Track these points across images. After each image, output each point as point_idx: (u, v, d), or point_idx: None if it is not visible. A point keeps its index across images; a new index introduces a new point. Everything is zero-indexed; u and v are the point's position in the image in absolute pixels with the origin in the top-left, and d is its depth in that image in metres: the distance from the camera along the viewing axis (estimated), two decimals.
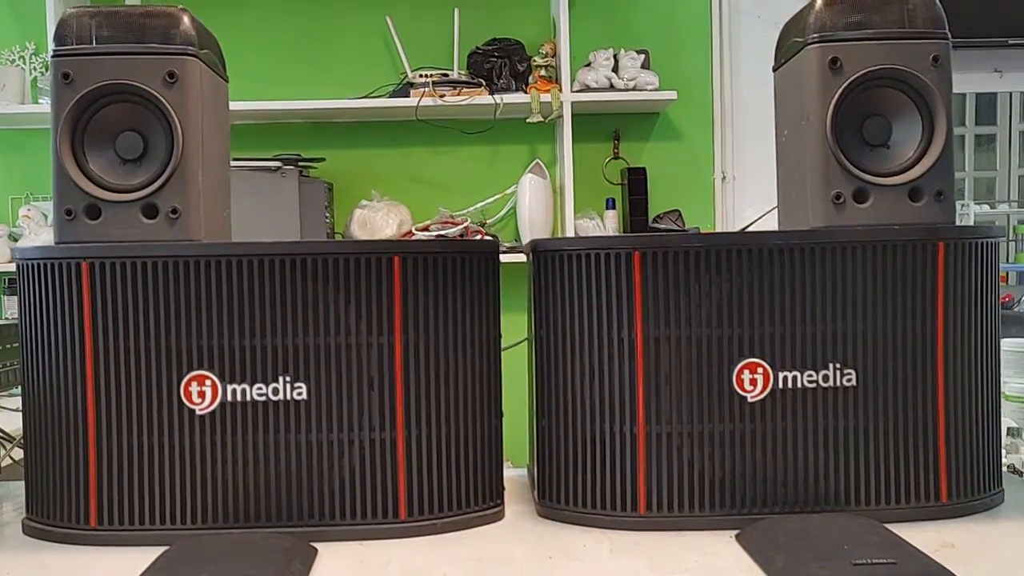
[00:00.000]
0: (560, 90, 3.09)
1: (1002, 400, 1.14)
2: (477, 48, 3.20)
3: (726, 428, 0.98)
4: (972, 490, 1.01)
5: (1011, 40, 3.39)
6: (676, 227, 3.14)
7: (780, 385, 0.98)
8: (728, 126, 3.35)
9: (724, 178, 3.35)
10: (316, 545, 0.93)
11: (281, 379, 0.96)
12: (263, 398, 0.96)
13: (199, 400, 0.95)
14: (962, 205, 5.03)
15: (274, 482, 0.96)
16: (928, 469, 0.99)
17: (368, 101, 3.17)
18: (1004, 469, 1.16)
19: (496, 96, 3.07)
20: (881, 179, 1.03)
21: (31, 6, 3.22)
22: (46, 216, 3.10)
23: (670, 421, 0.98)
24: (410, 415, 0.97)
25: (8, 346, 1.64)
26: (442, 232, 3.09)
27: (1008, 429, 1.27)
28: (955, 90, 1.04)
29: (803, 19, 1.06)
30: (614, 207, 3.27)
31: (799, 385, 0.98)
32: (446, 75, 3.12)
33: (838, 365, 0.98)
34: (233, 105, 1.18)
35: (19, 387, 1.03)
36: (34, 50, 3.28)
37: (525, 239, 3.13)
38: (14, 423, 1.14)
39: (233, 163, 1.21)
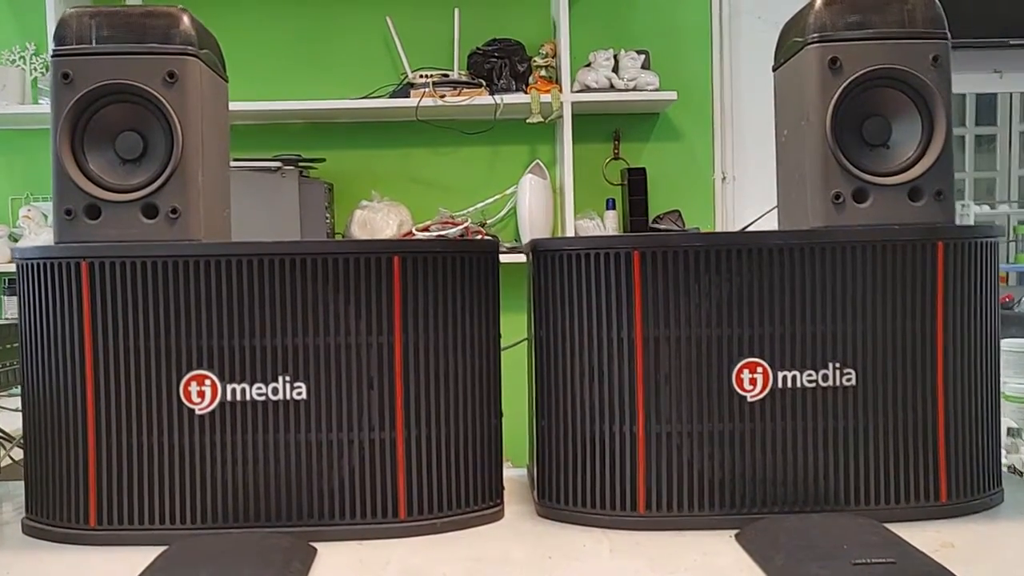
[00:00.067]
0: (560, 90, 3.09)
1: (1002, 400, 1.14)
2: (477, 48, 3.20)
3: (726, 428, 0.98)
4: (972, 490, 1.01)
5: (1011, 40, 3.39)
6: (676, 227, 3.14)
7: (780, 385, 0.98)
8: (728, 126, 3.35)
9: (724, 178, 3.35)
10: (315, 545, 0.93)
11: (281, 379, 0.96)
12: (263, 398, 0.96)
13: (199, 400, 0.95)
14: (962, 205, 5.03)
15: (273, 482, 0.96)
16: (928, 469, 0.99)
17: (368, 101, 3.17)
18: (1004, 469, 1.16)
19: (496, 96, 3.07)
20: (881, 179, 1.03)
21: (31, 6, 3.22)
22: (46, 216, 3.10)
23: (670, 421, 0.98)
24: (409, 415, 0.97)
25: (8, 346, 1.64)
26: (442, 232, 3.10)
27: (1008, 429, 1.27)
28: (955, 90, 1.04)
29: (803, 19, 1.06)
30: (614, 207, 3.27)
31: (799, 385, 0.98)
32: (446, 75, 3.12)
33: (838, 365, 0.98)
34: (233, 105, 1.18)
35: (19, 387, 1.03)
36: (34, 50, 3.28)
37: (525, 239, 3.14)
38: (14, 423, 1.14)
39: (233, 163, 1.21)
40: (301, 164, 3.01)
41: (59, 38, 1.02)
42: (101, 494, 0.96)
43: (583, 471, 1.01)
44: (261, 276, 0.95)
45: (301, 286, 0.95)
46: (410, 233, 3.11)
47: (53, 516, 0.98)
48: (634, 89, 3.12)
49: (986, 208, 5.24)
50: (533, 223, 3.11)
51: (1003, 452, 1.19)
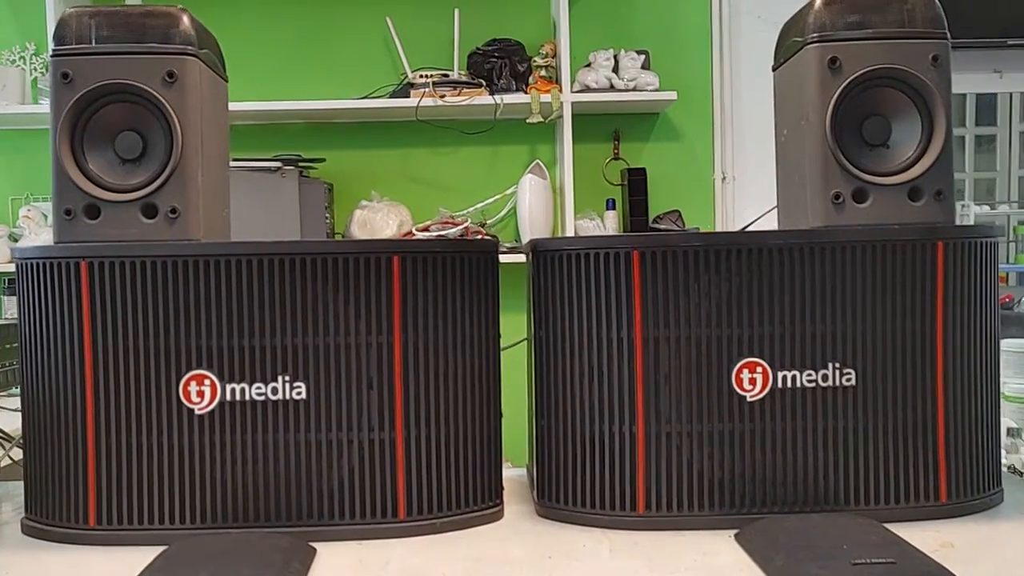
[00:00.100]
0: (560, 90, 3.09)
1: (1002, 400, 1.14)
2: (477, 48, 3.20)
3: (725, 428, 0.98)
4: (971, 490, 1.01)
5: (1011, 40, 3.39)
6: (676, 227, 3.14)
7: (779, 385, 0.98)
8: (728, 126, 3.35)
9: (724, 178, 3.35)
10: (315, 545, 0.93)
11: (280, 379, 0.96)
12: (262, 398, 0.96)
13: (198, 400, 0.95)
14: (962, 206, 5.03)
15: (273, 482, 0.96)
16: (928, 469, 0.99)
17: (368, 101, 3.17)
18: (1004, 469, 1.16)
19: (496, 96, 3.07)
20: (880, 179, 1.03)
21: (31, 6, 3.22)
22: (46, 216, 3.10)
23: (669, 421, 0.98)
24: (409, 415, 0.97)
25: (7, 346, 1.64)
26: (442, 232, 3.09)
27: (1008, 429, 1.27)
28: (955, 90, 1.04)
29: (802, 19, 1.06)
30: (614, 207, 3.27)
31: (798, 385, 0.98)
32: (446, 75, 3.12)
33: (837, 365, 0.98)
34: (233, 105, 1.18)
35: (18, 387, 1.03)
36: (34, 50, 3.28)
37: (525, 239, 3.13)
38: (13, 423, 1.14)
39: (233, 163, 1.21)
40: (301, 164, 3.01)
41: (59, 38, 1.02)
42: (100, 494, 0.96)
43: (583, 471, 1.01)
44: (261, 276, 0.95)
45: (301, 286, 0.95)
46: (410, 233, 3.11)
47: (52, 516, 0.98)
48: (634, 89, 3.12)
49: (986, 208, 5.24)
50: (533, 223, 3.11)
51: (1003, 452, 1.19)
